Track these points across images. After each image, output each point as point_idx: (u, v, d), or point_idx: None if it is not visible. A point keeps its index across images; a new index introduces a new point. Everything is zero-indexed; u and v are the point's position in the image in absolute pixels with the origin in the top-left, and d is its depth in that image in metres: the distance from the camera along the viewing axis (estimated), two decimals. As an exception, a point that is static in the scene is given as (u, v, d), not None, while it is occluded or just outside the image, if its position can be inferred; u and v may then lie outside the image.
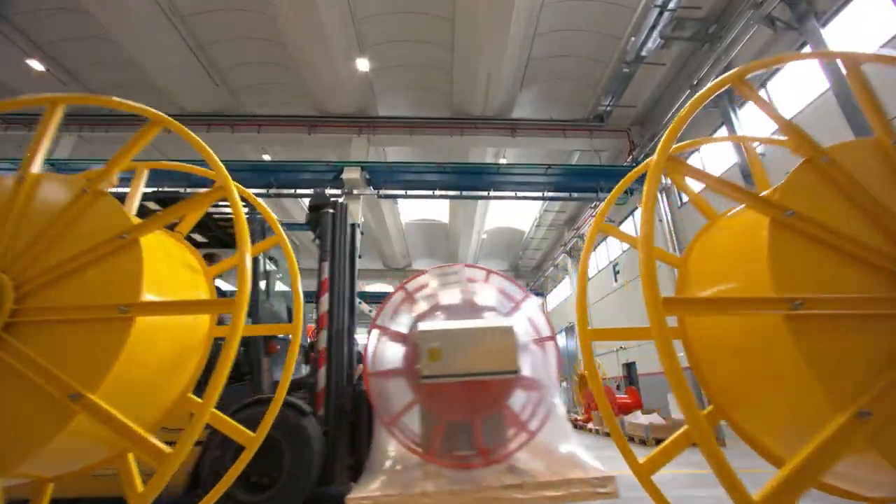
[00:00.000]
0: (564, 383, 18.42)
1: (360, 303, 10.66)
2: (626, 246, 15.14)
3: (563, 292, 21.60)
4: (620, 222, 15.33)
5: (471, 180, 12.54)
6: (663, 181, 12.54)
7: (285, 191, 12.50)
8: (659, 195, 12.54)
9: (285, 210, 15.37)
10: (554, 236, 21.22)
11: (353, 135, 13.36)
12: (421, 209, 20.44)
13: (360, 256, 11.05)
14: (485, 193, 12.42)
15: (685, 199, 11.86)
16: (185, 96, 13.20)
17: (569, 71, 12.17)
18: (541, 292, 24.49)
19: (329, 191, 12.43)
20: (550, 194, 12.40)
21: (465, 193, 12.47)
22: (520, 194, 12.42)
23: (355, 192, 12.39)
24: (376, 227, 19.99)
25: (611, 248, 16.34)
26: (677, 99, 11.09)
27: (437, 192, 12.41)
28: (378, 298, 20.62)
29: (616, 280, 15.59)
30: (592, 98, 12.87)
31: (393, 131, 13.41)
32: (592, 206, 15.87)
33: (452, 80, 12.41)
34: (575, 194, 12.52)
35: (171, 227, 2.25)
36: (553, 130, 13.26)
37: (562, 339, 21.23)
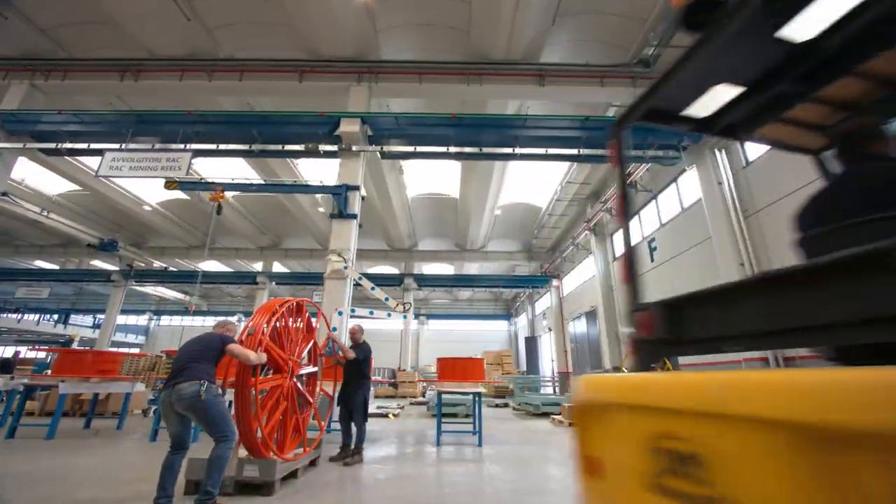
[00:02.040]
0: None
1: (360, 278, 8.53)
2: (665, 218, 12.91)
3: (582, 274, 19.43)
4: (660, 190, 13.08)
5: (493, 135, 10.28)
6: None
7: (271, 147, 10.29)
8: (717, 153, 10.30)
9: (270, 170, 13.12)
10: (574, 212, 18.95)
11: (352, 83, 11.07)
12: (429, 181, 18.18)
13: (360, 225, 8.79)
14: (509, 150, 10.16)
15: (752, 156, 9.61)
16: (154, 36, 10.90)
17: (612, 1, 9.81)
18: (555, 275, 22.34)
19: (324, 147, 10.22)
20: (587, 152, 10.12)
21: (485, 150, 10.21)
22: (551, 151, 10.16)
23: (354, 148, 10.16)
24: (380, 203, 17.76)
25: (645, 224, 14.10)
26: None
27: (452, 149, 10.17)
28: (381, 281, 18.62)
29: (652, 259, 13.38)
30: (638, 37, 10.50)
31: (398, 78, 11.09)
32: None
33: (470, 13, 10.05)
34: (617, 152, 10.24)
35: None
36: (588, 78, 10.93)
37: (581, 325, 19.13)
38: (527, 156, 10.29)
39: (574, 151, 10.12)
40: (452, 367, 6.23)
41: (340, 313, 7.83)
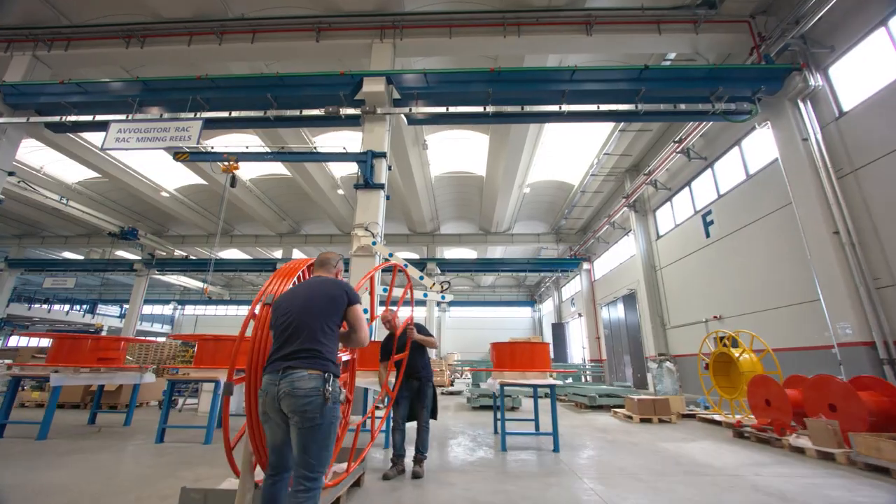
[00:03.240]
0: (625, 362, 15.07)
1: (390, 255, 7.35)
2: (724, 187, 11.32)
3: (618, 255, 17.91)
4: (718, 156, 11.46)
5: (536, 91, 8.88)
6: (809, 82, 8.60)
7: (288, 112, 9.12)
8: (800, 104, 8.67)
9: (279, 138, 11.74)
10: (610, 189, 17.39)
11: (374, 39, 9.75)
12: (454, 158, 16.84)
13: (388, 197, 7.61)
14: (555, 108, 8.74)
15: (847, 105, 7.99)
16: (158, -4, 9.80)
17: (675, -72, 8.22)
18: (586, 257, 20.85)
19: (345, 111, 9.00)
20: (646, 107, 8.63)
21: (527, 109, 8.82)
22: (603, 107, 8.70)
23: (380, 111, 8.91)
24: (402, 182, 16.55)
25: (699, 194, 12.50)
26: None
27: (490, 109, 8.81)
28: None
29: (708, 234, 11.83)
30: (703, -29, 8.89)
31: (425, 32, 9.71)
32: (676, 140, 12.07)
33: (508, -49, 8.61)
34: (682, 106, 8.72)
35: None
36: (643, 24, 9.36)
37: (617, 311, 17.68)
38: (575, 114, 8.85)
39: (630, 107, 8.63)
40: (511, 354, 5.03)
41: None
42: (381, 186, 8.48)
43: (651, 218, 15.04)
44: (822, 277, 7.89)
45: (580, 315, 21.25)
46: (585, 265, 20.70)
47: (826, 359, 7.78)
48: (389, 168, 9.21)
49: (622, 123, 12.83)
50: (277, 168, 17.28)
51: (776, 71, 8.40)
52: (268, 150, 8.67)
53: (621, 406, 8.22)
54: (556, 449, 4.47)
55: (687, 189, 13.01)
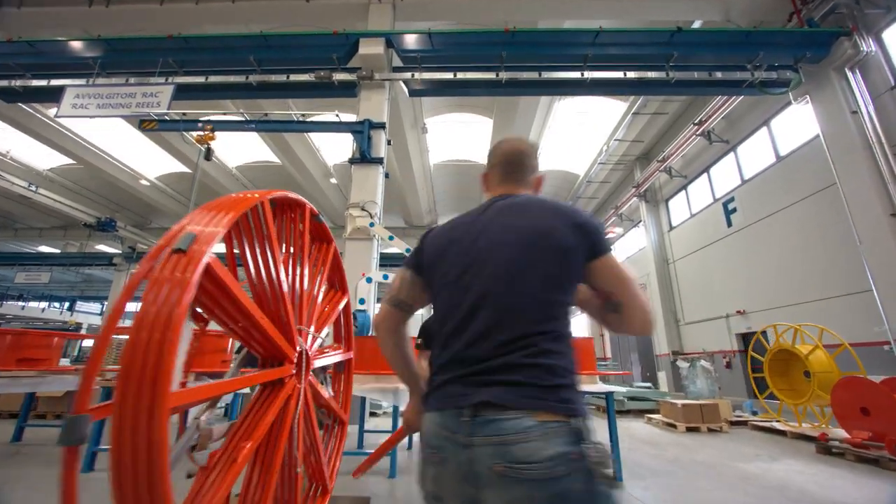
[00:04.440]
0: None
1: (391, 237, 6.23)
2: (749, 172, 10.35)
3: (624, 247, 16.98)
4: (742, 139, 10.50)
5: (555, 56, 7.79)
6: (860, 48, 7.55)
7: (273, 78, 7.90)
8: (849, 73, 7.71)
9: (257, 106, 10.23)
10: (618, 178, 16.43)
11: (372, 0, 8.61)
12: (454, 145, 15.70)
13: (387, 175, 6.51)
14: (576, 75, 7.66)
15: (904, 72, 7.04)
16: (126, -53, 8.51)
17: None
18: (589, 252, 19.85)
19: (339, 77, 7.81)
20: (679, 76, 7.60)
21: (544, 76, 7.72)
22: (630, 74, 7.64)
23: (378, 76, 7.75)
24: (399, 170, 15.38)
25: (719, 181, 11.55)
26: None
27: (504, 76, 7.69)
28: (399, 262, 16.33)
29: (730, 223, 10.88)
30: (741, -74, 7.88)
31: (430, -10, 8.60)
32: (696, 122, 11.07)
33: None
34: (719, 74, 7.71)
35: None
36: (673, -15, 8.37)
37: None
38: (599, 84, 7.78)
39: (661, 75, 7.59)
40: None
41: (369, 280, 5.56)
42: (380, 161, 7.33)
43: (663, 208, 14.08)
44: (875, 265, 6.94)
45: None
46: (588, 260, 19.73)
47: (877, 356, 6.84)
48: (389, 143, 8.05)
49: (636, 105, 11.83)
50: (265, 154, 15.97)
51: (823, 35, 7.42)
52: (250, 119, 7.46)
53: (652, 411, 7.20)
54: (618, 478, 3.41)
55: (705, 176, 12.06)
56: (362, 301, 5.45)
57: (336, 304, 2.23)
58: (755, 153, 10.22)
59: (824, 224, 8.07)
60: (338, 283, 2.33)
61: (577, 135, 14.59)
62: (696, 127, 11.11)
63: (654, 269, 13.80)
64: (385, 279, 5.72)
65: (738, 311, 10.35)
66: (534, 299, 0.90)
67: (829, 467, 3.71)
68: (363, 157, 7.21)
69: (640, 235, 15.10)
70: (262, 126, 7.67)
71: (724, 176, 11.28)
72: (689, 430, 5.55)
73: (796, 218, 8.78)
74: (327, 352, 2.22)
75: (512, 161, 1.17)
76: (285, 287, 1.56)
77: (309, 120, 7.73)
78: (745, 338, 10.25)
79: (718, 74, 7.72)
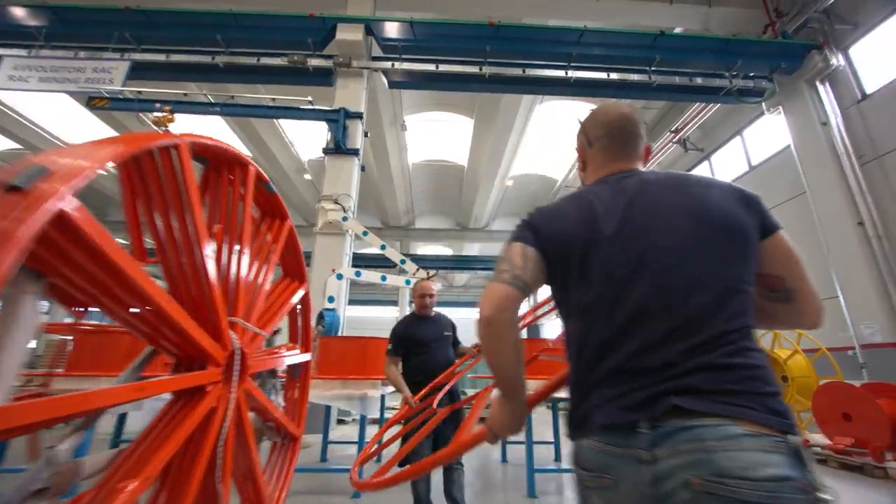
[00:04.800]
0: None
1: (365, 233, 5.79)
2: (757, 158, 10.06)
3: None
4: (716, 148, 10.68)
5: (539, 53, 7.62)
6: (830, 61, 7.69)
7: (242, 60, 7.36)
8: (819, 86, 7.91)
9: (224, 91, 9.48)
10: (595, 184, 16.53)
11: (352, -15, 8.20)
12: (433, 145, 15.39)
13: (363, 168, 6.14)
14: (560, 74, 7.52)
15: (870, 87, 7.26)
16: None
17: None
18: (565, 257, 19.97)
19: (314, 63, 7.36)
20: (660, 80, 7.58)
21: (528, 73, 7.54)
22: (613, 76, 7.57)
23: (356, 64, 7.35)
24: (377, 168, 14.92)
25: (720, 167, 11.22)
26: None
27: (487, 71, 7.45)
28: (374, 263, 15.81)
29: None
30: (720, -62, 7.99)
31: (413, -20, 8.28)
32: (672, 130, 11.20)
33: None
34: (699, 80, 7.75)
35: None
36: (655, -9, 8.39)
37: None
38: (582, 84, 7.68)
39: (644, 77, 7.55)
40: (533, 357, 3.68)
41: (340, 277, 5.13)
42: (356, 153, 6.92)
43: (638, 214, 14.22)
44: (841, 272, 7.10)
45: (558, 317, 20.32)
46: (564, 264, 19.84)
47: (842, 361, 6.96)
48: (366, 135, 7.64)
49: (615, 111, 11.88)
50: (233, 145, 15.14)
51: (796, 48, 7.59)
52: (214, 101, 6.87)
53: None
54: None
55: (707, 163, 12.20)
56: (332, 299, 5.02)
57: (290, 294, 1.84)
58: (729, 162, 10.41)
59: (794, 232, 8.06)
60: (294, 271, 1.94)
61: (556, 139, 14.59)
62: (672, 135, 11.25)
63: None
64: (357, 276, 5.31)
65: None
66: (724, 290, 0.75)
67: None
68: (338, 147, 6.78)
69: (615, 241, 15.20)
70: (228, 109, 7.09)
71: (729, 164, 11.33)
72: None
73: (767, 225, 8.93)
74: (280, 353, 1.83)
75: (625, 130, 0.96)
76: (211, 267, 1.17)
77: (280, 105, 7.20)
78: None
79: (699, 80, 7.76)
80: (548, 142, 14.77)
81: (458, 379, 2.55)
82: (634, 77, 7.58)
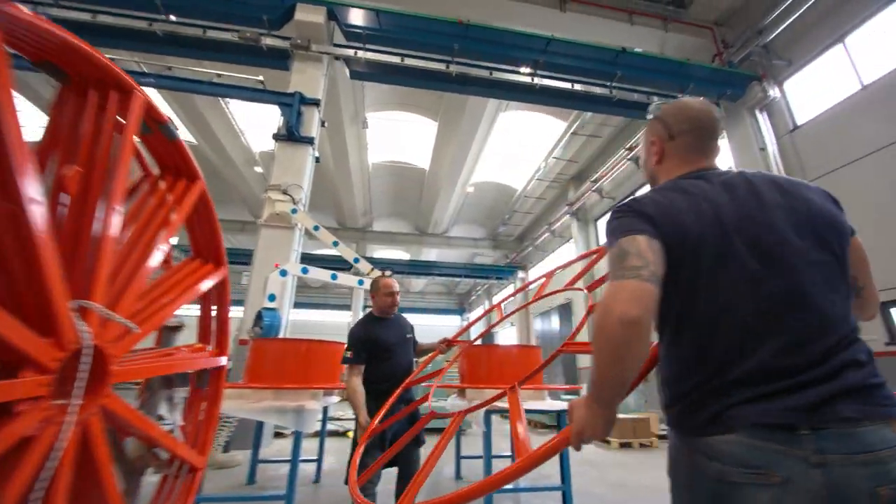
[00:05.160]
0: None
1: (316, 228, 5.32)
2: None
3: (555, 264, 17.42)
4: (667, 167, 11.22)
5: (506, 57, 7.54)
6: (768, 93, 8.32)
7: (186, 31, 6.59)
8: (758, 114, 8.51)
9: (191, 105, 8.89)
10: (553, 196, 16.90)
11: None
12: (395, 146, 14.99)
13: (317, 159, 5.71)
14: (527, 79, 7.48)
15: (801, 119, 7.90)
16: None
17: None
18: (521, 266, 20.23)
19: (268, 41, 6.78)
20: (620, 94, 7.78)
21: (495, 76, 7.43)
22: (577, 87, 7.66)
23: (315, 48, 6.85)
24: (334, 165, 14.25)
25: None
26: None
27: (454, 69, 7.24)
28: (328, 264, 14.97)
29: (651, 243, 11.50)
30: (678, -34, 8.43)
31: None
32: (627, 148, 11.67)
33: None
34: (656, 98, 8.04)
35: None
36: (617, 11, 8.64)
37: (551, 322, 17.11)
38: (547, 92, 7.71)
39: (605, 91, 7.71)
40: (492, 364, 3.38)
41: (284, 273, 4.58)
42: (310, 141, 6.40)
43: (592, 227, 14.68)
44: (775, 288, 7.58)
45: (512, 324, 20.49)
46: (520, 273, 20.06)
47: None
48: (323, 124, 7.13)
49: (575, 126, 12.22)
50: (179, 131, 13.82)
51: (741, 77, 8.12)
52: (147, 71, 6.04)
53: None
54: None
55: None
56: (273, 297, 4.46)
57: (198, 279, 1.40)
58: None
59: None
60: (207, 250, 1.50)
61: (517, 149, 14.76)
62: (627, 152, 11.69)
63: (581, 284, 14.20)
64: (304, 273, 4.79)
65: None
66: (846, 287, 0.81)
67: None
68: (290, 134, 6.22)
69: (570, 251, 15.57)
70: (164, 82, 6.26)
71: None
72: (622, 445, 5.36)
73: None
74: (178, 355, 1.38)
75: (712, 127, 0.98)
76: (39, 219, 0.75)
77: (226, 83, 6.51)
78: (661, 353, 10.80)
79: (655, 99, 8.05)
80: (510, 151, 14.92)
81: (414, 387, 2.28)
82: (597, 90, 7.72)
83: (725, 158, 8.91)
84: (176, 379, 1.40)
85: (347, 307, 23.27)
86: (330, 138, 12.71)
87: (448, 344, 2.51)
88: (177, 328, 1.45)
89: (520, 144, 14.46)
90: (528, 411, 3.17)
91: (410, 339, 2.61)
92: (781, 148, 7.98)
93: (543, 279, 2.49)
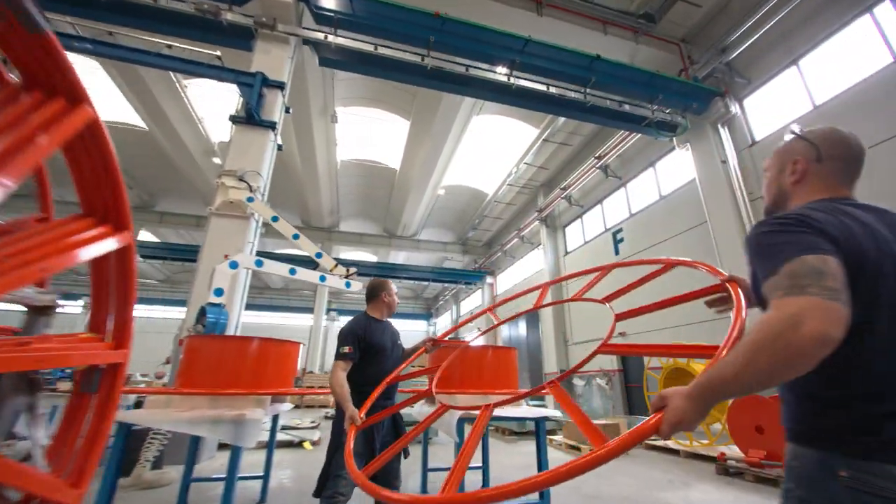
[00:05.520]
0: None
1: (275, 219, 4.88)
2: (636, 208, 11.35)
3: (522, 270, 17.50)
4: (632, 177, 11.49)
5: (483, 54, 7.37)
6: (730, 108, 8.73)
7: (132, -3, 5.91)
8: (720, 128, 8.83)
9: (128, 70, 7.84)
10: (523, 202, 16.98)
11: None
12: (367, 143, 14.50)
13: (280, 147, 5.23)
14: (503, 79, 7.34)
15: (759, 135, 8.27)
16: None
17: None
18: (490, 271, 20.19)
19: (229, 17, 6.26)
20: (594, 100, 7.82)
21: (472, 72, 7.24)
22: (553, 89, 7.61)
23: (281, 28, 6.38)
24: (301, 161, 13.59)
25: (610, 213, 12.48)
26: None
27: (430, 62, 6.98)
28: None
29: (617, 251, 11.74)
30: (649, -19, 8.65)
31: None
32: (596, 156, 11.88)
33: None
34: (627, 107, 8.14)
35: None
36: (592, 19, 8.73)
37: (518, 327, 17.08)
38: (523, 93, 7.61)
39: (580, 96, 7.72)
40: (466, 367, 3.07)
41: (234, 265, 4.07)
42: (272, 126, 5.90)
43: (561, 234, 14.83)
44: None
45: (479, 329, 20.32)
46: (489, 279, 20.01)
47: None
48: (288, 110, 6.64)
49: (546, 133, 12.32)
50: (127, 115, 12.69)
51: (705, 92, 8.40)
52: (80, 32, 5.33)
53: (551, 431, 6.84)
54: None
55: (599, 207, 12.97)
56: (220, 292, 3.94)
57: (81, 244, 1.01)
58: (642, 190, 11.25)
59: (697, 256, 8.87)
60: (100, 206, 1.11)
61: (489, 153, 14.70)
62: (596, 160, 11.90)
63: (549, 291, 14.27)
64: (258, 266, 4.30)
65: (620, 333, 11.01)
66: None
67: (742, 493, 3.51)
68: (250, 116, 5.70)
69: (538, 257, 15.65)
70: (104, 50, 5.53)
71: (615, 209, 12.23)
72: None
73: (674, 249, 9.68)
74: (42, 345, 0.98)
75: (860, 159, 0.98)
76: None
77: (177, 56, 5.88)
78: (625, 358, 10.95)
79: (626, 107, 8.16)
80: (482, 155, 14.83)
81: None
82: (572, 94, 7.71)
83: (690, 170, 9.21)
84: (39, 381, 0.99)
85: (309, 310, 22.40)
86: (297, 131, 12.10)
87: (433, 343, 2.35)
88: (47, 309, 1.05)
89: (492, 149, 14.41)
90: (502, 418, 2.89)
91: (399, 346, 2.52)
92: (741, 161, 8.30)
93: (540, 290, 2.28)
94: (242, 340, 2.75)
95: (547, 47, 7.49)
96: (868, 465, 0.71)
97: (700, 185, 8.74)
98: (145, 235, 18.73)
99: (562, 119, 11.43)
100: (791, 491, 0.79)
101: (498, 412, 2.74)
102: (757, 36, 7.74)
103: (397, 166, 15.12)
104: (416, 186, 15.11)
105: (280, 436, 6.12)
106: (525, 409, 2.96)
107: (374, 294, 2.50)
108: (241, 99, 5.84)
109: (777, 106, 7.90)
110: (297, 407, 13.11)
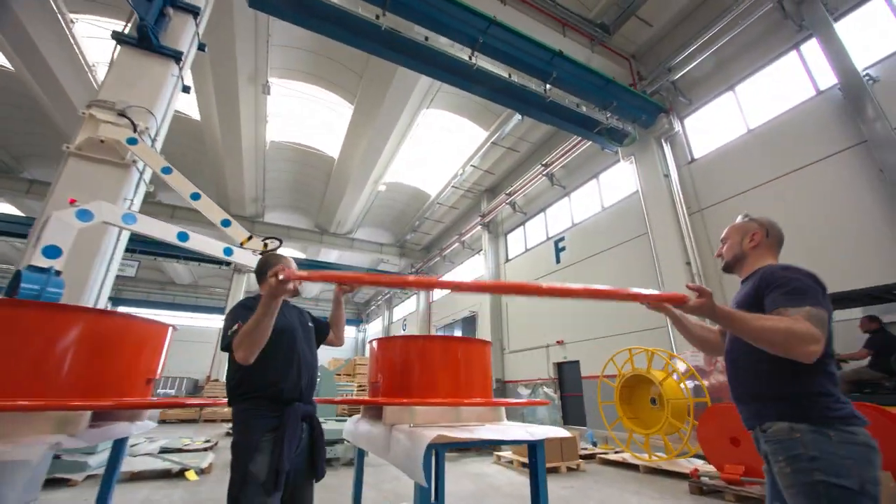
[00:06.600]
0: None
1: (167, 170, 3.58)
2: (578, 217, 11.40)
3: (460, 277, 16.96)
4: (576, 187, 11.55)
5: (446, 22, 6.65)
6: (673, 125, 9.02)
7: None
8: (664, 144, 9.10)
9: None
10: (466, 206, 16.53)
11: None
12: (303, 125, 12.97)
13: (186, 89, 4.05)
14: (465, 57, 6.69)
15: (697, 153, 8.62)
16: None
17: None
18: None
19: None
20: (554, 94, 7.50)
21: (431, 42, 6.47)
22: (515, 77, 7.14)
23: (202, -58, 5.05)
24: (222, 135, 11.70)
25: (553, 221, 12.45)
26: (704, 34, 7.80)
27: (386, 25, 6.07)
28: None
29: (559, 260, 11.66)
30: (607, -8, 8.72)
31: None
32: (543, 164, 11.80)
33: None
34: (584, 108, 7.96)
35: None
36: (553, 19, 8.54)
37: (454, 334, 16.40)
38: (484, 78, 7.02)
39: (540, 90, 7.36)
40: (426, 367, 2.17)
41: (87, 215, 2.72)
42: (177, 57, 4.54)
43: (503, 240, 14.57)
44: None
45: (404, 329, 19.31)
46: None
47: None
48: (202, 48, 5.26)
49: (496, 136, 12.02)
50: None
51: (653, 106, 8.59)
52: None
53: (498, 446, 6.12)
54: None
55: (542, 215, 12.91)
56: (52, 252, 2.58)
57: None
58: (585, 201, 11.34)
59: (637, 266, 9.04)
60: None
61: (435, 152, 14.05)
62: (542, 167, 11.81)
63: (488, 297, 13.86)
64: (129, 222, 2.99)
65: (558, 342, 10.83)
66: None
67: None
68: (144, 37, 4.30)
69: (479, 264, 15.24)
70: None
71: (558, 217, 12.23)
72: (550, 470, 4.56)
73: (615, 259, 9.73)
74: None
75: (783, 240, 1.53)
76: None
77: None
78: (562, 367, 10.76)
79: (584, 108, 8.01)
80: (428, 153, 14.12)
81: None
82: (533, 86, 7.33)
83: (633, 183, 9.37)
84: None
85: (221, 310, 19.57)
86: (218, 96, 10.34)
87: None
88: None
89: (439, 148, 13.78)
90: (477, 442, 2.03)
91: (313, 328, 1.95)
92: (681, 177, 8.56)
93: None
94: (54, 312, 1.57)
95: (512, 33, 7.02)
96: (844, 427, 1.13)
97: (643, 197, 8.86)
98: (5, 207, 14.88)
99: (512, 123, 11.20)
100: (798, 457, 1.12)
101: (480, 433, 1.88)
102: (699, 60, 8.08)
103: (336, 155, 13.79)
104: (355, 180, 13.89)
105: (153, 462, 4.58)
106: (516, 429, 2.10)
107: (260, 274, 1.77)
108: (136, 15, 4.40)
109: (714, 127, 8.30)
110: (192, 422, 10.91)
